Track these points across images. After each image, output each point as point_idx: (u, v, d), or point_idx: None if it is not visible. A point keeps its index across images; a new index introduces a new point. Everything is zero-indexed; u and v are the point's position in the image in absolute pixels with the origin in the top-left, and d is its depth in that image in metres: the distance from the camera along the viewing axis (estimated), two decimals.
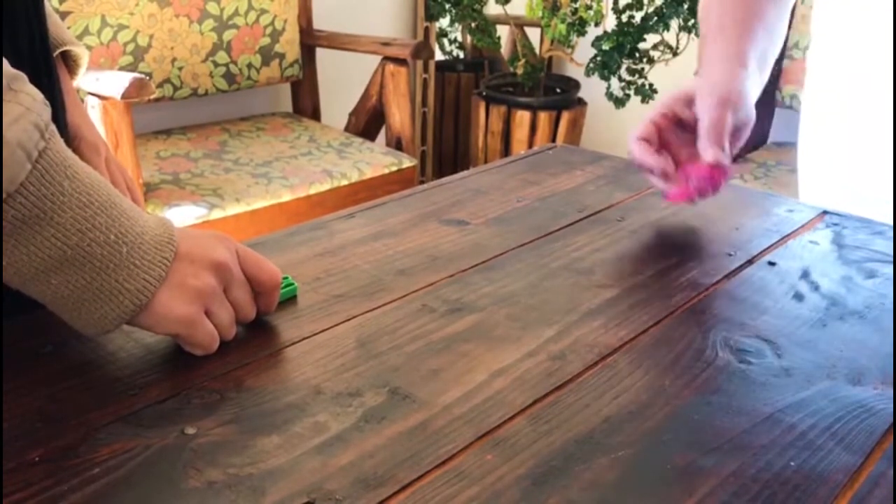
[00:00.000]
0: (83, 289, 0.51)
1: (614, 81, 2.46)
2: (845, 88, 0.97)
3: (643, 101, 2.45)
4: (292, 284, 0.66)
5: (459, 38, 3.00)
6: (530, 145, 2.54)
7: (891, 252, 0.77)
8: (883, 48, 0.91)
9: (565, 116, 2.55)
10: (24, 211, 0.48)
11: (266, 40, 2.37)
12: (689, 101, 0.81)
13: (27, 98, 0.48)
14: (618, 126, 2.91)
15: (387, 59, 2.32)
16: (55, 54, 0.73)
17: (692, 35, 2.36)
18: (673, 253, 0.76)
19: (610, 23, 2.43)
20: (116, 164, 0.84)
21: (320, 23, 2.51)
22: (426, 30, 2.81)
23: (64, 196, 0.49)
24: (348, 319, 0.63)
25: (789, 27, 1.27)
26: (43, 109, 0.49)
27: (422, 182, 2.37)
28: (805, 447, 0.50)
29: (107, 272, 0.51)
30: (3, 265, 0.49)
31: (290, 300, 0.65)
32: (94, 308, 0.52)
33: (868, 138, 0.95)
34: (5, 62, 0.48)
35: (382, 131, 2.41)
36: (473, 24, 2.60)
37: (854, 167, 0.98)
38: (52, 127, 0.50)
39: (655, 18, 2.35)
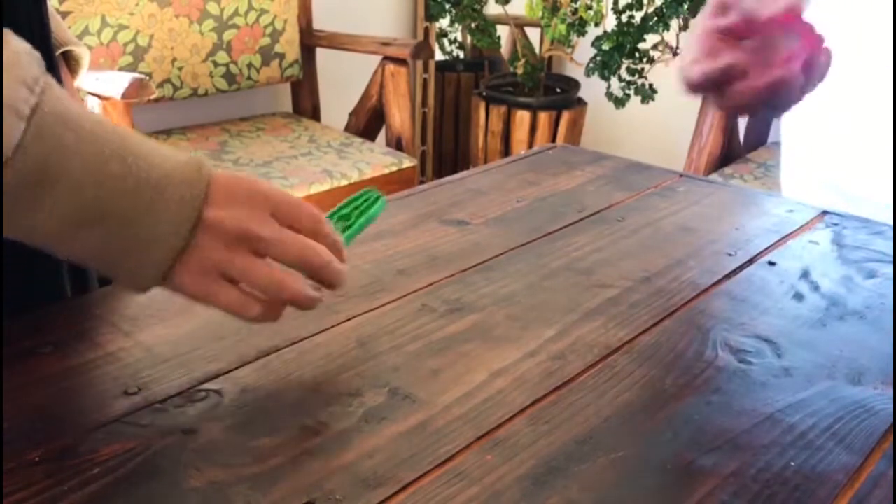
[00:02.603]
0: (112, 242, 0.48)
1: (614, 81, 2.46)
2: (828, 84, 0.97)
3: (643, 101, 2.45)
4: (378, 199, 0.61)
5: (459, 38, 3.00)
6: (530, 145, 2.54)
7: (891, 252, 0.77)
8: (869, 44, 0.91)
9: (565, 116, 2.55)
10: (29, 172, 0.45)
11: (266, 40, 2.37)
12: (725, 6, 0.64)
13: (10, 54, 0.45)
14: (618, 126, 2.91)
15: (387, 59, 2.32)
16: (56, 54, 0.73)
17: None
18: (673, 253, 0.76)
19: (610, 23, 2.43)
20: (126, 128, 0.83)
21: (320, 23, 2.51)
22: (426, 30, 2.81)
23: (69, 150, 0.46)
24: (348, 319, 0.63)
25: None
26: (29, 63, 0.46)
27: (422, 182, 2.37)
28: (805, 447, 0.50)
29: (131, 222, 0.48)
30: (27, 230, 0.47)
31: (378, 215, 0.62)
32: (129, 261, 0.49)
33: (850, 134, 0.95)
34: None
35: (382, 131, 2.41)
36: (473, 25, 2.60)
37: (836, 164, 0.97)
38: (47, 79, 0.47)
39: (655, 18, 2.35)
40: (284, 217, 0.53)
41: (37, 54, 0.47)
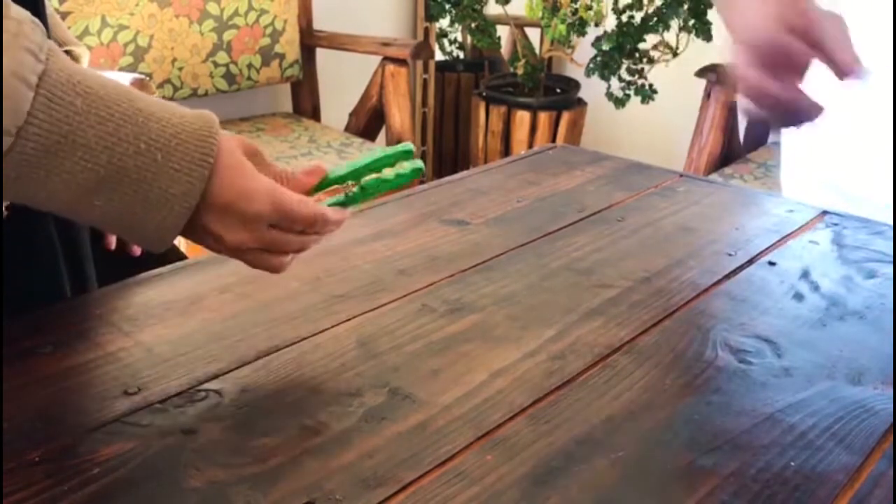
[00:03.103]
0: (129, 203, 0.49)
1: (614, 81, 2.45)
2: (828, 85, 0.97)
3: (643, 101, 2.45)
4: (418, 165, 0.60)
5: (459, 39, 3.00)
6: (530, 145, 2.54)
7: (891, 252, 0.77)
8: (869, 45, 0.91)
9: (565, 116, 2.55)
10: (42, 140, 0.45)
11: (266, 40, 2.37)
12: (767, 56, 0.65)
13: (12, 23, 0.45)
14: (618, 126, 2.91)
15: (387, 59, 2.32)
16: None
17: (692, 35, 2.36)
18: (673, 253, 0.75)
19: (610, 23, 2.43)
20: (134, 88, 0.82)
21: (320, 23, 2.51)
22: (426, 30, 2.81)
23: (79, 115, 0.46)
24: (348, 319, 0.63)
25: None
26: (32, 31, 0.46)
27: (422, 182, 2.37)
28: (805, 447, 0.50)
29: (146, 182, 0.49)
30: (44, 198, 0.47)
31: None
32: (147, 220, 0.50)
33: (850, 134, 0.95)
34: None
35: (382, 131, 2.41)
36: (473, 25, 2.60)
37: (836, 164, 0.97)
38: (51, 45, 0.47)
39: (655, 18, 2.35)
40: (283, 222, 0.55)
41: (38, 21, 0.47)
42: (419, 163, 0.60)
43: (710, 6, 2.32)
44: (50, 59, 0.46)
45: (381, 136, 2.44)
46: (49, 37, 0.67)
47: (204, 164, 0.50)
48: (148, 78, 1.82)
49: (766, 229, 0.81)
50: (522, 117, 2.55)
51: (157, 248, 0.52)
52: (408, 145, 0.61)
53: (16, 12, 0.46)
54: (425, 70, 2.86)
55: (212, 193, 0.51)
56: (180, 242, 0.58)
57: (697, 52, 2.28)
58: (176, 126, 0.50)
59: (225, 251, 0.55)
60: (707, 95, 2.20)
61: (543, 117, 2.54)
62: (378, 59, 2.35)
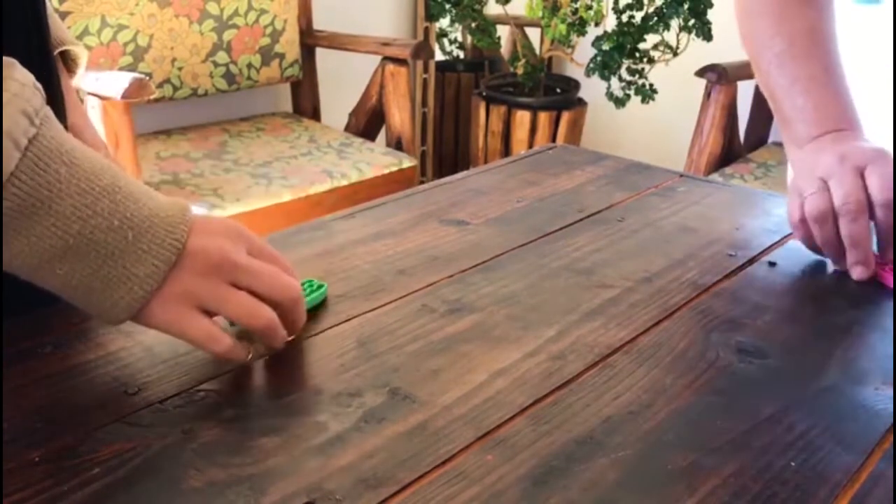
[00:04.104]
0: (91, 277, 0.50)
1: (614, 81, 2.46)
2: None
3: (643, 101, 2.45)
4: (321, 286, 0.64)
5: (459, 38, 3.00)
6: (530, 145, 2.54)
7: None
8: (869, 46, 0.91)
9: (565, 116, 2.55)
10: (19, 201, 0.46)
11: (266, 40, 2.37)
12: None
13: (14, 84, 0.46)
14: (618, 126, 2.91)
15: (387, 59, 2.32)
16: (54, 54, 0.73)
17: (692, 35, 2.36)
18: (673, 253, 0.76)
19: (610, 23, 2.43)
20: (117, 166, 0.84)
21: (320, 23, 2.51)
22: (426, 30, 2.81)
23: (61, 183, 0.47)
24: (348, 319, 0.63)
25: None
26: (32, 95, 0.47)
27: (422, 182, 2.37)
28: (805, 447, 0.50)
29: (113, 258, 0.49)
30: (7, 257, 0.48)
31: (320, 304, 0.64)
32: (104, 296, 0.50)
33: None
34: None
35: (382, 131, 2.41)
36: (473, 24, 2.60)
37: None
38: (46, 112, 0.48)
39: (655, 18, 2.35)
40: (258, 254, 0.55)
41: (39, 86, 0.49)
42: (323, 288, 0.64)
43: (711, 6, 2.32)
44: (44, 125, 0.48)
45: (381, 136, 2.44)
46: (50, 39, 0.68)
47: (171, 249, 0.51)
48: (147, 78, 1.82)
49: (767, 229, 0.81)
50: (522, 117, 2.55)
51: (111, 324, 0.53)
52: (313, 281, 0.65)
53: (21, 75, 0.47)
54: (425, 70, 2.86)
55: (194, 224, 0.52)
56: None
57: (697, 52, 2.28)
58: (151, 209, 0.51)
59: (199, 280, 0.52)
60: (707, 95, 2.20)
61: (543, 117, 2.54)
62: (378, 58, 2.35)
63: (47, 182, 0.47)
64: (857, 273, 0.71)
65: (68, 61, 0.77)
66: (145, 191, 0.52)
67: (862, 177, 0.70)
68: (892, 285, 0.70)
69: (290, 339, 0.58)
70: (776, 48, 0.80)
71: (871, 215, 0.70)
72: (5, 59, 0.47)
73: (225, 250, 0.53)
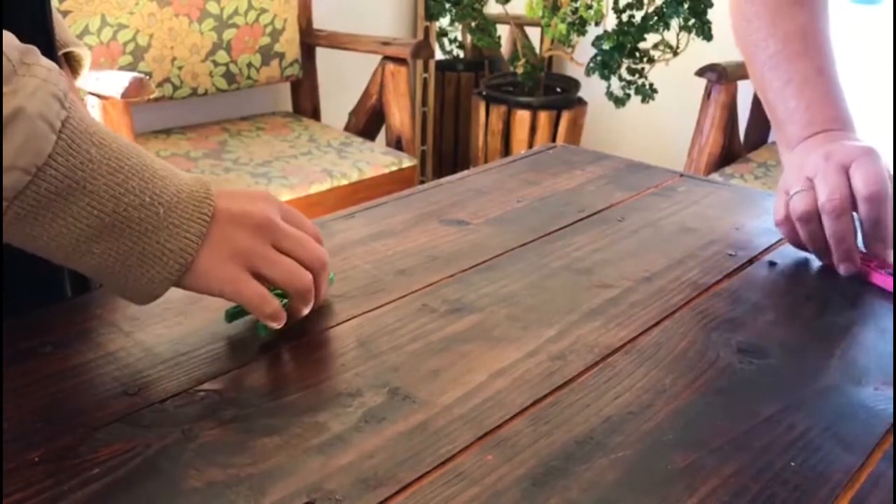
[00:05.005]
0: (127, 255, 0.51)
1: (614, 81, 2.46)
2: None
3: (643, 100, 2.45)
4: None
5: (459, 38, 3.00)
6: (530, 145, 2.54)
7: None
8: (869, 46, 0.91)
9: (565, 116, 2.55)
10: (57, 183, 0.47)
11: (266, 40, 2.37)
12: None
13: (42, 70, 0.48)
14: (618, 126, 2.91)
15: (387, 58, 2.32)
16: (59, 55, 0.73)
17: (692, 35, 2.36)
18: (673, 253, 0.76)
19: (610, 22, 2.43)
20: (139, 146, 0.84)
21: (320, 22, 2.51)
22: (426, 29, 2.81)
23: (93, 163, 0.49)
24: (348, 319, 0.63)
25: None
26: (59, 79, 0.48)
27: (422, 182, 2.37)
28: (805, 447, 0.50)
29: (147, 235, 0.51)
30: (45, 240, 0.49)
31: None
32: (140, 273, 0.52)
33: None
34: (13, 36, 0.47)
35: (382, 131, 2.41)
36: (473, 24, 2.60)
37: None
38: (72, 95, 0.50)
39: (656, 18, 2.35)
40: (289, 218, 0.59)
41: (61, 71, 0.50)
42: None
43: (711, 6, 2.32)
44: (72, 108, 0.49)
45: (381, 136, 2.44)
46: (55, 41, 0.68)
47: (201, 222, 0.53)
48: (147, 77, 1.82)
49: (767, 229, 0.81)
50: (522, 117, 2.55)
51: (144, 302, 0.54)
52: None
53: (45, 60, 0.49)
54: (425, 69, 2.86)
55: (217, 209, 0.54)
56: None
57: (697, 52, 2.28)
58: (178, 185, 0.53)
59: (247, 240, 0.55)
60: (707, 95, 2.20)
61: (543, 117, 2.54)
62: (378, 58, 2.35)
63: (80, 163, 0.48)
64: (843, 269, 0.72)
65: (72, 63, 0.77)
66: (170, 168, 0.54)
67: (847, 174, 0.70)
68: (883, 286, 0.70)
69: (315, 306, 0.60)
70: (770, 50, 0.81)
71: (856, 210, 0.70)
72: (25, 45, 0.48)
73: (267, 212, 0.56)
